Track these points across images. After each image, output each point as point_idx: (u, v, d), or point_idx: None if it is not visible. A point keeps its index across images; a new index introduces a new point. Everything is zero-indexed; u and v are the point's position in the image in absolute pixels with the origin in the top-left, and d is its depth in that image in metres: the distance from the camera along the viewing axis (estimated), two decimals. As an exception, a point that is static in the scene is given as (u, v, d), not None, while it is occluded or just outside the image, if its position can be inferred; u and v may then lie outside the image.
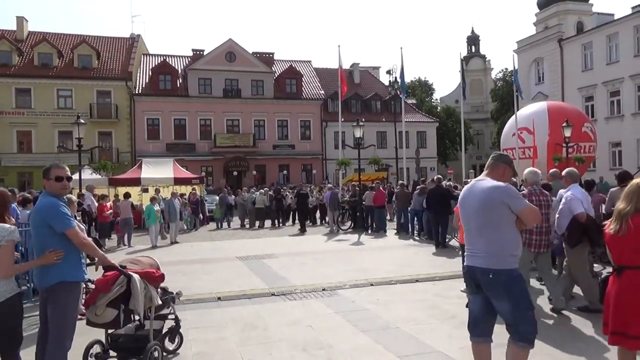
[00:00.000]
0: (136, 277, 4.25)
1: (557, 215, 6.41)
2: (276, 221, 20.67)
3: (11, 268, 3.61)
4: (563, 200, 6.35)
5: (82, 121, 16.30)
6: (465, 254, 3.85)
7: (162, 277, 4.65)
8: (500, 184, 3.60)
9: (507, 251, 3.53)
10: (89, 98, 34.37)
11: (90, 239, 4.09)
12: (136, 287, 4.18)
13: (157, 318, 4.76)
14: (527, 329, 3.48)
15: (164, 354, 4.76)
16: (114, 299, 4.14)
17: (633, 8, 32.08)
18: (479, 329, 3.70)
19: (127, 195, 15.32)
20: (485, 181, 3.67)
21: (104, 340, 4.47)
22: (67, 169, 3.99)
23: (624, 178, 7.52)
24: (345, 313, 6.31)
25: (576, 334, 5.30)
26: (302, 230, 17.30)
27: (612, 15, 35.70)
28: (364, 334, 5.44)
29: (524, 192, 6.43)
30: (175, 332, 5.00)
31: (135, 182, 20.26)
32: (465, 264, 3.82)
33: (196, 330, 5.71)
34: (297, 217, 19.22)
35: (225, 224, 20.59)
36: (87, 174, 19.93)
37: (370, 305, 6.65)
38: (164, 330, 4.90)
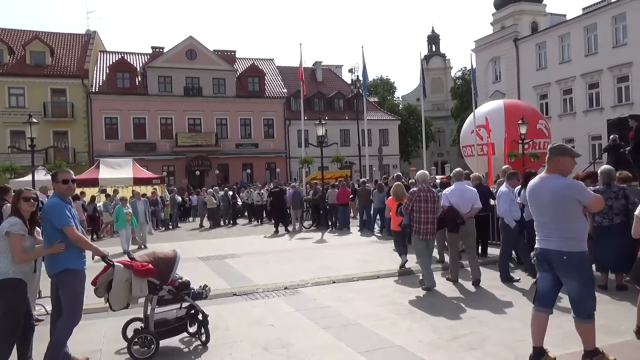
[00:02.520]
0: (119, 267, 4.64)
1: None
2: (230, 220, 20.82)
3: (20, 254, 4.28)
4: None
5: (34, 120, 15.69)
6: (537, 238, 4.32)
7: (148, 271, 4.78)
8: (569, 181, 4.16)
9: (580, 236, 4.12)
10: (43, 96, 33.08)
11: (83, 236, 4.58)
12: (115, 276, 4.60)
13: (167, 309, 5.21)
14: (590, 305, 4.04)
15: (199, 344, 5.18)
16: (106, 284, 4.67)
17: (584, 9, 33.39)
18: (544, 301, 4.26)
19: (75, 197, 14.75)
20: (552, 178, 4.16)
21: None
22: (72, 172, 4.73)
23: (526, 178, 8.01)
24: (307, 311, 6.34)
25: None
26: (277, 231, 16.25)
27: (565, 16, 37.10)
28: (325, 331, 5.48)
29: (414, 189, 7.57)
30: (200, 326, 5.21)
31: (93, 182, 19.72)
32: (537, 246, 4.30)
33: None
34: (272, 216, 17.72)
35: (176, 224, 20.52)
36: (41, 175, 19.25)
37: (331, 303, 6.70)
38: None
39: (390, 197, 9.19)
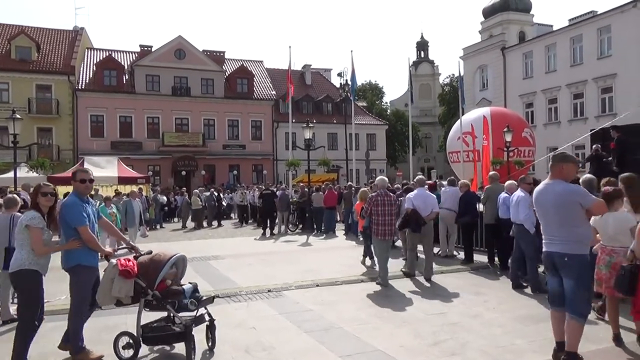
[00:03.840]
0: (111, 264, 4.64)
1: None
2: (215, 222, 20.78)
3: (41, 247, 4.49)
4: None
5: (17, 116, 15.47)
6: (543, 242, 4.51)
7: (128, 273, 4.60)
8: (572, 186, 4.34)
9: (582, 239, 4.29)
10: (28, 92, 32.54)
11: (95, 236, 4.76)
12: (105, 272, 4.63)
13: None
14: (584, 306, 4.23)
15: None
16: None
17: (570, 20, 33.91)
18: (557, 301, 4.43)
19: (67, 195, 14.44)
20: (555, 184, 4.34)
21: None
22: (91, 172, 4.94)
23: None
24: (290, 314, 6.32)
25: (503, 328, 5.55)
26: (264, 233, 16.20)
27: (551, 26, 37.67)
28: (307, 335, 5.47)
29: (373, 193, 8.17)
30: (209, 334, 5.00)
31: (76, 181, 19.45)
32: (544, 250, 4.50)
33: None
34: (261, 218, 17.69)
35: (160, 225, 20.40)
36: (24, 172, 18.99)
37: (314, 306, 6.69)
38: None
39: (358, 202, 9.92)
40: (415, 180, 9.57)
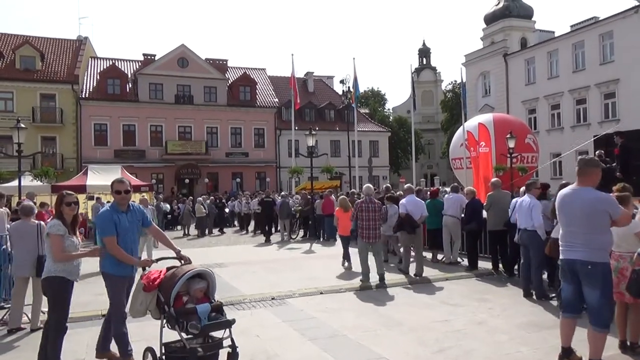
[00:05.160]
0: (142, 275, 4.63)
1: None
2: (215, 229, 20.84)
3: (59, 254, 4.56)
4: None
5: (22, 125, 15.53)
6: (561, 249, 4.47)
7: (146, 287, 4.41)
8: (604, 195, 4.28)
9: (606, 247, 4.28)
10: (32, 101, 32.75)
11: (120, 248, 4.65)
12: (137, 284, 4.58)
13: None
14: (607, 314, 4.20)
15: None
16: None
17: (572, 26, 33.96)
18: (570, 308, 4.42)
19: (42, 205, 14.12)
20: (586, 191, 4.29)
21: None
22: (127, 183, 4.88)
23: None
24: (294, 322, 6.31)
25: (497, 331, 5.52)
26: (267, 240, 16.42)
27: (553, 32, 37.72)
28: (312, 343, 5.45)
29: (359, 200, 9.05)
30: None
31: (80, 189, 19.49)
32: (562, 257, 4.46)
33: (138, 343, 5.51)
34: (261, 225, 18.44)
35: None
36: (28, 181, 19.06)
37: (318, 314, 6.67)
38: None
39: (338, 208, 10.80)
40: (405, 187, 10.64)
